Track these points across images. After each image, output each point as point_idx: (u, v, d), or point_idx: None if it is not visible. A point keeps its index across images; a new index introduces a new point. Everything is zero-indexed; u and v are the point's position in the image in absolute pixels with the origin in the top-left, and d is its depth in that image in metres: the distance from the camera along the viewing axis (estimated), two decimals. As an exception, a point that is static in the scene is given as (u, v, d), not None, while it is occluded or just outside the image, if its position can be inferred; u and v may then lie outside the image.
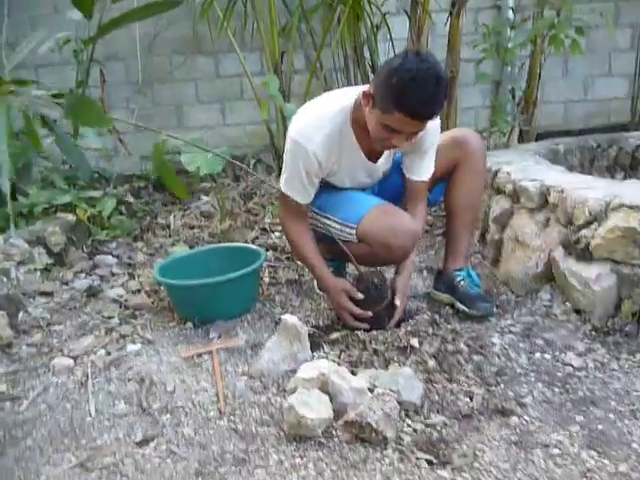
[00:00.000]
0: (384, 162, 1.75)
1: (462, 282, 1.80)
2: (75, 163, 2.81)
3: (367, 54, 3.64)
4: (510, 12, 3.49)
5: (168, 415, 1.34)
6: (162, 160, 1.60)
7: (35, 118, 2.81)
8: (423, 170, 1.73)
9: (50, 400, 1.43)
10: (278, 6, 3.36)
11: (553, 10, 2.83)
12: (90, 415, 1.36)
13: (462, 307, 1.76)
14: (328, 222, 1.73)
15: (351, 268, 2.10)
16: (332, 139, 1.60)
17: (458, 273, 1.83)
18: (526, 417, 1.25)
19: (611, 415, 1.24)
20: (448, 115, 3.21)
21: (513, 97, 3.41)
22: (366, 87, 1.55)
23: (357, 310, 1.63)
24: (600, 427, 1.20)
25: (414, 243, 1.66)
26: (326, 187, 1.76)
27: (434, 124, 1.66)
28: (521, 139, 3.28)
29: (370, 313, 1.62)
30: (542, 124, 3.54)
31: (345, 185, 1.76)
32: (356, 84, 3.41)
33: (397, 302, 1.65)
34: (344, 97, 1.64)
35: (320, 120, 1.60)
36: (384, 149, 1.65)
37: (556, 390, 1.35)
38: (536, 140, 3.22)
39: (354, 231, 1.66)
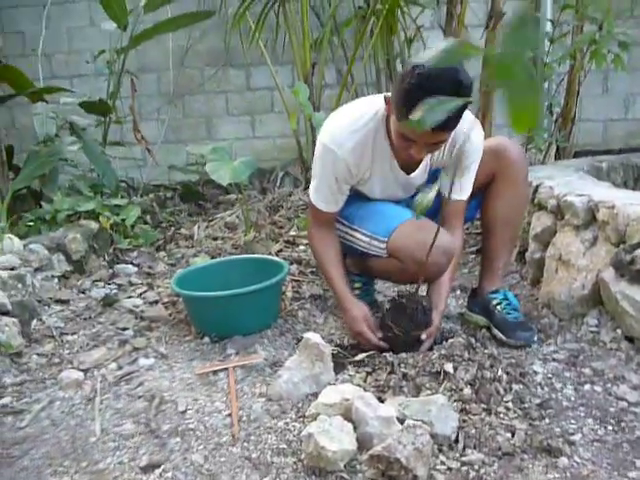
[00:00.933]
0: (419, 175, 1.62)
1: (499, 306, 1.67)
2: (101, 171, 2.81)
3: (400, 68, 3.56)
4: (549, 25, 3.37)
5: (177, 438, 1.23)
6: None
7: (64, 125, 2.82)
8: (463, 189, 1.59)
9: (54, 415, 1.34)
10: (310, 18, 3.31)
11: (593, 24, 2.71)
12: (95, 435, 1.27)
13: (499, 335, 1.62)
14: (356, 234, 1.63)
15: (380, 285, 1.99)
16: (364, 145, 1.51)
17: (494, 295, 1.70)
18: (577, 458, 1.10)
19: (677, 460, 1.08)
20: (482, 129, 3.09)
21: (551, 113, 3.28)
22: None
23: (374, 338, 1.52)
24: (665, 475, 1.05)
25: (449, 260, 1.53)
26: (356, 197, 1.66)
27: (477, 141, 1.54)
28: (558, 156, 3.14)
29: (385, 345, 1.51)
30: (580, 142, 3.39)
31: (376, 195, 1.65)
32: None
33: (423, 336, 1.49)
34: (377, 102, 1.53)
35: (352, 125, 1.51)
36: (408, 159, 1.50)
37: (609, 428, 1.20)
38: (574, 158, 3.07)
39: (384, 245, 1.55)
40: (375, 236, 1.57)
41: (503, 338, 1.60)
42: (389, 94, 1.44)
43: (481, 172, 1.62)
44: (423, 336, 1.49)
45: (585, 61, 2.88)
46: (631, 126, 4.04)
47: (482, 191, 1.69)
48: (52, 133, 2.72)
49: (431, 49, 1.26)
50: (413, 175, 1.61)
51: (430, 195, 1.38)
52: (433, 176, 1.64)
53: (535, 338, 1.60)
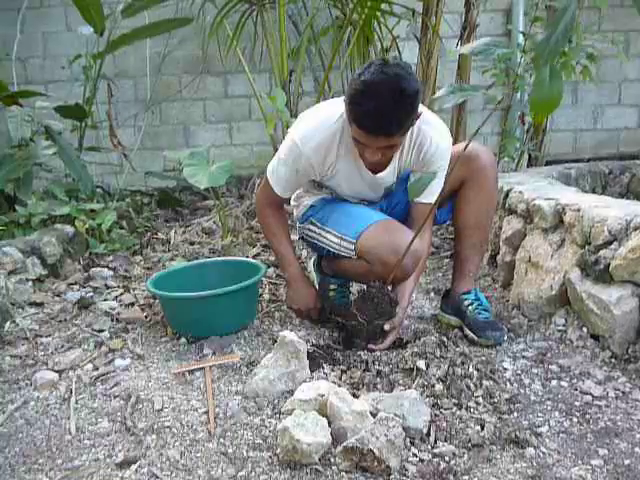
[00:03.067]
0: (386, 175, 1.64)
1: (470, 306, 1.71)
2: (77, 175, 2.79)
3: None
4: (521, 37, 3.47)
5: (153, 435, 1.24)
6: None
7: (39, 129, 2.80)
8: (428, 193, 1.58)
9: (29, 415, 1.34)
10: (288, 27, 3.35)
11: (564, 37, 2.81)
12: (70, 433, 1.26)
13: (470, 334, 1.66)
14: (328, 235, 1.68)
15: (355, 287, 2.02)
16: (329, 144, 1.56)
17: (466, 296, 1.74)
18: (543, 449, 1.15)
19: (637, 449, 1.13)
20: (457, 140, 3.16)
21: (523, 123, 3.37)
22: None
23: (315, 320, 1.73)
24: (626, 462, 1.09)
25: (416, 263, 1.56)
26: (330, 200, 1.70)
27: (444, 146, 1.59)
28: (530, 165, 3.23)
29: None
30: (551, 152, 3.50)
31: (344, 191, 1.70)
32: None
33: (386, 327, 1.55)
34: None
35: (320, 124, 1.57)
36: (366, 162, 1.55)
37: (575, 420, 1.24)
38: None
39: (353, 246, 1.59)
40: (345, 237, 1.61)
41: (474, 337, 1.64)
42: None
43: (452, 177, 1.64)
44: (386, 326, 1.54)
45: (554, 72, 2.97)
46: (600, 136, 4.17)
47: (454, 196, 1.74)
48: (27, 137, 2.69)
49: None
50: (380, 175, 1.63)
51: (425, 178, 1.41)
52: (403, 178, 1.68)
53: (505, 337, 1.64)
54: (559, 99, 0.64)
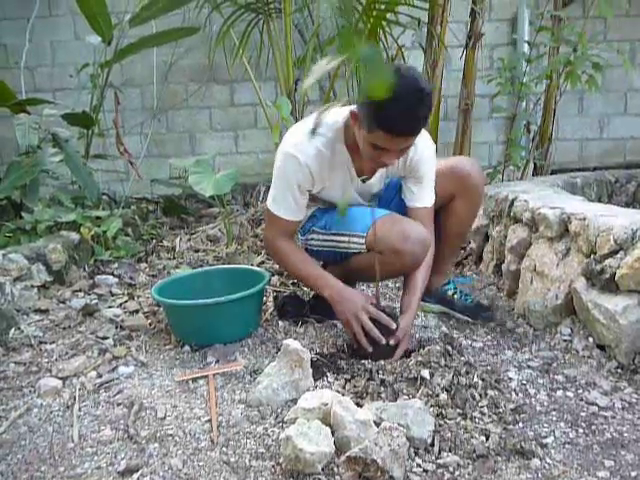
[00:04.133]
0: (375, 183, 1.72)
1: (455, 295, 1.91)
2: (83, 183, 2.80)
3: (381, 86, 3.63)
4: (526, 46, 3.48)
5: (156, 444, 1.23)
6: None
7: (46, 136, 2.82)
8: (424, 197, 1.69)
9: (32, 422, 1.33)
10: (294, 36, 3.38)
11: (569, 47, 2.82)
12: (72, 440, 1.26)
13: (465, 318, 1.87)
14: (335, 237, 1.70)
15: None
16: (324, 154, 1.58)
17: (447, 287, 1.93)
18: (548, 460, 1.13)
19: (644, 461, 1.12)
20: (462, 148, 3.17)
21: (528, 132, 3.37)
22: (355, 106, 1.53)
23: (376, 332, 1.52)
24: (633, 474, 1.08)
25: (424, 251, 1.60)
26: (326, 209, 1.74)
27: (429, 151, 1.65)
28: (535, 174, 3.23)
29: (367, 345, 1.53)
30: (557, 160, 3.49)
31: (335, 201, 1.71)
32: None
33: (391, 342, 1.53)
34: (335, 115, 1.62)
35: (313, 136, 1.57)
36: (377, 167, 1.60)
37: (580, 431, 1.23)
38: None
39: (363, 240, 1.62)
40: (354, 233, 1.64)
41: (470, 320, 1.84)
42: (354, 108, 1.51)
43: (443, 192, 1.72)
44: (391, 341, 1.53)
45: (560, 81, 2.98)
46: (606, 145, 4.16)
47: (440, 207, 1.77)
48: (34, 144, 2.71)
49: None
50: (369, 183, 1.70)
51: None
52: (389, 186, 1.77)
53: (493, 315, 1.87)
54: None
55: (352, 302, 1.57)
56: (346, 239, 1.66)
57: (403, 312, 1.64)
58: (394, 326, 1.53)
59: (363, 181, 1.68)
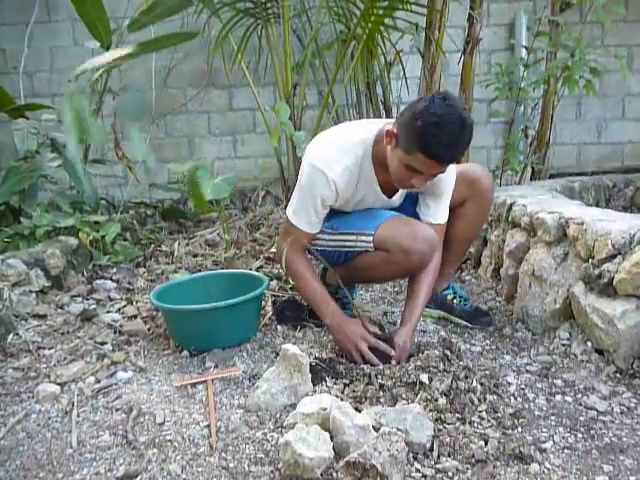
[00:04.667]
0: (397, 198, 1.74)
1: (455, 300, 1.92)
2: (81, 187, 2.80)
3: (380, 91, 3.64)
4: (523, 51, 3.50)
5: (155, 449, 1.23)
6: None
7: (45, 141, 2.82)
8: (439, 214, 1.71)
9: (30, 428, 1.33)
10: (292, 41, 3.39)
11: (566, 52, 2.83)
12: (71, 446, 1.26)
13: (464, 322, 1.87)
14: (342, 237, 1.70)
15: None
16: (352, 171, 1.58)
17: (447, 292, 1.94)
18: (547, 464, 1.13)
19: (643, 465, 1.12)
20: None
21: (526, 136, 3.38)
22: (386, 122, 1.56)
23: (376, 360, 1.53)
24: (632, 479, 1.08)
25: (432, 251, 1.62)
26: (336, 211, 1.73)
27: (449, 168, 1.63)
28: (533, 179, 3.23)
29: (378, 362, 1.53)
30: (555, 165, 3.50)
31: (353, 209, 1.73)
32: (368, 119, 3.40)
33: (392, 353, 1.54)
34: (364, 130, 1.62)
35: (341, 150, 1.58)
36: (403, 188, 1.65)
37: (579, 436, 1.23)
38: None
39: (371, 238, 1.62)
40: (362, 231, 1.65)
41: (469, 325, 1.85)
42: (387, 126, 1.52)
43: (454, 198, 1.74)
44: (392, 353, 1.53)
45: (558, 86, 2.99)
46: (604, 150, 4.17)
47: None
48: (33, 149, 2.71)
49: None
50: (393, 199, 1.73)
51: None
52: (407, 198, 1.78)
53: (491, 320, 1.89)
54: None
55: (352, 333, 1.58)
56: (354, 237, 1.66)
57: (403, 324, 1.63)
58: (392, 353, 1.54)
59: (389, 197, 1.70)
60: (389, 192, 1.69)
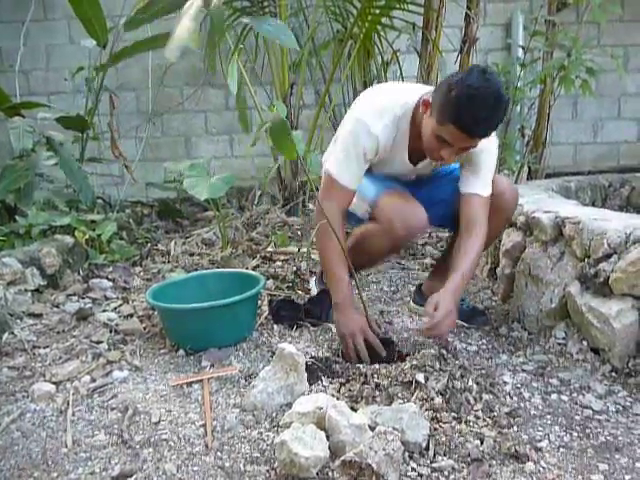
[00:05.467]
0: (423, 166, 1.72)
1: None
2: (78, 186, 2.80)
3: (377, 90, 3.65)
4: (520, 51, 3.50)
5: (150, 449, 1.23)
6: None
7: (40, 140, 2.81)
8: (478, 185, 1.65)
9: (25, 427, 1.32)
10: (289, 40, 3.38)
11: (563, 51, 2.83)
12: (66, 446, 1.25)
13: (461, 322, 1.81)
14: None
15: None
16: (391, 130, 1.59)
17: None
18: (543, 463, 1.13)
19: (638, 464, 1.12)
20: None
21: (523, 136, 3.39)
22: (430, 90, 1.54)
23: (367, 357, 1.54)
24: (627, 477, 1.08)
25: (419, 228, 1.65)
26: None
27: (491, 144, 1.64)
28: (530, 178, 3.24)
29: (367, 358, 1.55)
30: (551, 164, 3.50)
31: (381, 171, 1.73)
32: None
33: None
34: (409, 93, 1.62)
35: (384, 108, 1.59)
36: (433, 159, 1.61)
37: (575, 434, 1.23)
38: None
39: (367, 205, 1.65)
40: (365, 198, 1.66)
41: (465, 325, 1.81)
42: (426, 95, 1.52)
43: None
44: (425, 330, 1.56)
45: (555, 86, 2.99)
46: (600, 149, 4.19)
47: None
48: (29, 147, 2.70)
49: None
50: (419, 166, 1.71)
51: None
52: (438, 174, 1.78)
53: (488, 320, 1.87)
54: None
55: (353, 321, 1.59)
56: (356, 202, 1.67)
57: (444, 288, 1.57)
58: (384, 354, 1.55)
59: (414, 164, 1.68)
60: (415, 160, 1.68)
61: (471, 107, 1.35)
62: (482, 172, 1.65)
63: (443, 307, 1.50)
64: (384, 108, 1.58)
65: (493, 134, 1.61)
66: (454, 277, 1.58)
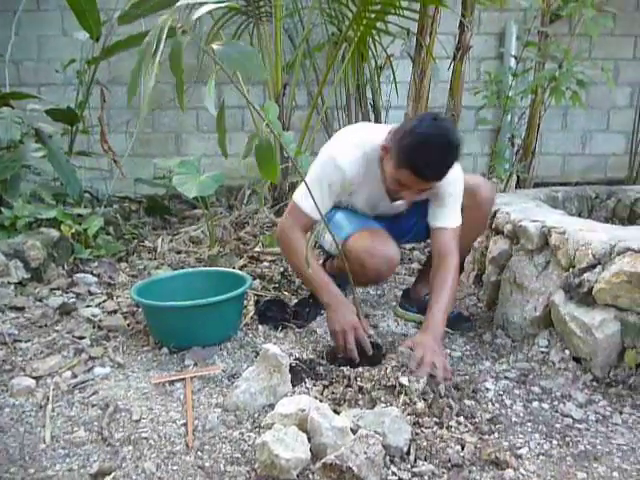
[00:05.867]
0: (401, 204, 1.78)
1: None
2: (65, 179, 2.77)
3: (369, 94, 3.65)
4: (512, 60, 3.53)
5: (130, 447, 1.22)
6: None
7: (29, 131, 2.78)
8: (446, 218, 1.70)
9: (2, 422, 1.31)
10: (284, 41, 3.38)
11: (554, 63, 2.86)
12: (44, 442, 1.24)
13: (445, 328, 1.71)
14: (325, 234, 1.78)
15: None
16: (359, 165, 1.64)
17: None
18: (522, 470, 1.14)
19: (616, 474, 1.13)
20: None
21: (512, 145, 3.41)
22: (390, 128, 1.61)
23: (356, 356, 1.55)
24: (604, 486, 1.09)
25: (390, 269, 1.70)
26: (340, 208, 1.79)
27: (455, 175, 1.66)
28: (518, 187, 3.26)
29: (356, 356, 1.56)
30: (540, 174, 3.53)
31: (360, 206, 1.78)
32: (357, 123, 3.41)
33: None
34: (378, 133, 1.66)
35: (354, 145, 1.64)
36: (397, 199, 1.69)
37: (555, 442, 1.24)
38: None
39: (339, 246, 1.66)
40: (337, 234, 1.68)
41: (449, 330, 1.80)
42: (384, 140, 1.57)
43: None
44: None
45: (545, 96, 3.02)
46: (588, 161, 4.23)
47: None
48: (16, 139, 2.67)
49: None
50: (398, 203, 1.76)
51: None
52: (413, 205, 1.79)
53: (472, 326, 1.89)
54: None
55: (345, 318, 1.60)
56: (329, 239, 1.71)
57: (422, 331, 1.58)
58: (370, 353, 1.57)
59: (392, 201, 1.74)
60: (393, 197, 1.72)
61: (423, 153, 1.43)
62: (449, 204, 1.70)
63: (427, 351, 1.44)
64: (354, 145, 1.64)
65: (457, 165, 1.65)
66: (432, 316, 1.59)
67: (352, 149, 1.63)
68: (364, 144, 1.64)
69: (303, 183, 1.65)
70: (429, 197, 1.71)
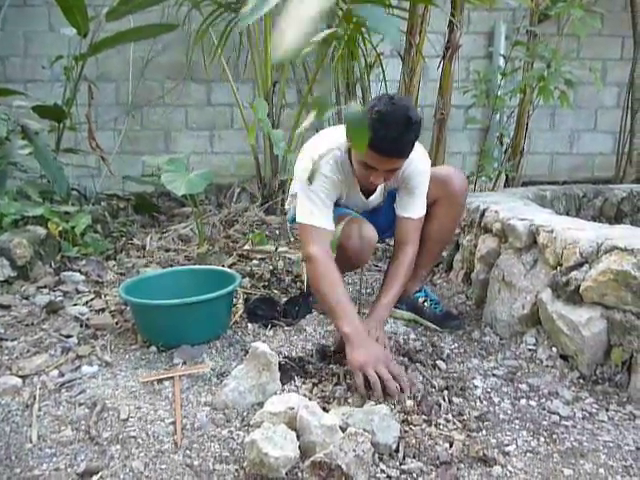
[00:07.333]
0: (375, 198, 1.84)
1: (425, 303, 1.94)
2: (52, 177, 2.74)
3: (359, 92, 3.66)
4: (501, 59, 3.55)
5: (118, 446, 1.21)
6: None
7: (15, 128, 2.75)
8: (411, 208, 1.74)
9: (-12, 422, 1.29)
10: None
11: (543, 62, 2.88)
12: (31, 441, 1.22)
13: (433, 326, 1.87)
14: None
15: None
16: (336, 168, 1.65)
17: (419, 294, 1.96)
18: (510, 467, 1.15)
19: (602, 470, 1.14)
20: (437, 158, 3.20)
21: (501, 144, 3.44)
22: None
23: (380, 391, 1.34)
24: (590, 482, 1.10)
25: (368, 249, 1.74)
26: None
27: (421, 166, 1.72)
28: (507, 185, 3.29)
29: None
30: (528, 173, 3.57)
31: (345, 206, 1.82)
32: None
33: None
34: (339, 134, 1.68)
35: (326, 151, 1.64)
36: (369, 186, 1.71)
37: (542, 440, 1.25)
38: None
39: None
40: None
41: (438, 329, 1.85)
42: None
43: (428, 197, 1.78)
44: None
45: (534, 96, 3.04)
46: (575, 160, 4.27)
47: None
48: (3, 136, 2.64)
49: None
50: (371, 199, 1.83)
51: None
52: (388, 197, 1.85)
53: (461, 324, 1.89)
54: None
55: (373, 353, 1.41)
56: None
57: (369, 315, 1.68)
58: (407, 387, 1.37)
59: (366, 197, 1.79)
60: (367, 193, 1.79)
61: (381, 129, 1.44)
62: (415, 196, 1.74)
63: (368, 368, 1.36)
64: (326, 151, 1.65)
65: (423, 154, 1.74)
66: (379, 307, 1.68)
67: (326, 156, 1.63)
68: (333, 148, 1.65)
69: (299, 201, 1.66)
70: (399, 186, 1.74)
